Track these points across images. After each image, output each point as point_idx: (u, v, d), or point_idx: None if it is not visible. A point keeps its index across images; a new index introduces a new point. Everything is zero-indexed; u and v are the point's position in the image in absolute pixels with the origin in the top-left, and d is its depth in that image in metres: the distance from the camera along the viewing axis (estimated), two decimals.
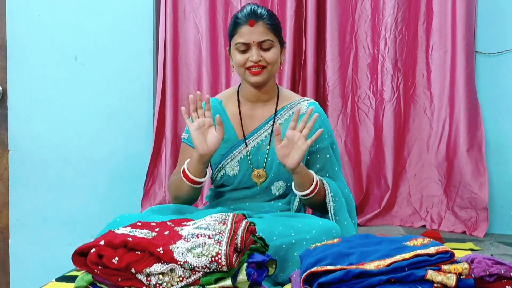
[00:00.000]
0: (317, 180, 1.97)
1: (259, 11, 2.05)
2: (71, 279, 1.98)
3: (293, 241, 1.77)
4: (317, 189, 1.96)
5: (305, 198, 1.97)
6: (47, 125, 3.11)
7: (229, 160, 2.10)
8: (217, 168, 2.12)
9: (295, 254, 1.75)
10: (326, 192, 1.98)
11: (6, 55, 3.13)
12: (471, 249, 2.49)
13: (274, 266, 1.64)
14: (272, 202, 2.12)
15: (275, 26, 2.06)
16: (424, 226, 2.82)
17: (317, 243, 1.66)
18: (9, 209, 3.19)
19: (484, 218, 2.71)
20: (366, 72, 2.84)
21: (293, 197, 2.10)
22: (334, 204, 1.98)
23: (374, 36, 2.82)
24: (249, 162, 2.08)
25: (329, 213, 1.98)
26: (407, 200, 2.86)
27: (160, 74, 2.94)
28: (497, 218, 2.81)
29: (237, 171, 2.09)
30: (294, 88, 2.83)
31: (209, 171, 2.06)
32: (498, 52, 2.77)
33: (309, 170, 1.99)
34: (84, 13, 3.05)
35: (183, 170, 1.98)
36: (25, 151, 3.13)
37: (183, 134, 2.16)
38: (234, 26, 2.05)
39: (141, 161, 3.02)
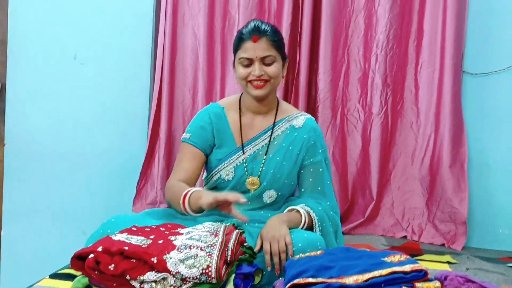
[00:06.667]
0: (305, 219, 2.03)
1: (263, 27, 2.13)
2: (64, 276, 2.07)
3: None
4: (305, 226, 2.04)
5: None
6: (44, 120, 3.19)
7: (225, 165, 2.18)
8: (213, 172, 2.21)
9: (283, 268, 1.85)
10: (314, 223, 2.05)
11: (6, 50, 3.20)
12: (449, 262, 2.59)
13: (260, 275, 1.74)
14: (262, 211, 2.20)
15: (278, 42, 2.15)
16: (405, 237, 2.92)
17: (301, 254, 1.76)
18: (2, 201, 3.26)
19: (462, 232, 2.82)
20: (357, 86, 2.93)
21: (282, 209, 2.19)
22: (320, 234, 2.05)
23: (366, 51, 2.91)
24: (245, 169, 2.17)
25: None
26: (390, 211, 2.96)
27: (157, 78, 3.02)
28: (476, 232, 2.92)
29: (231, 177, 2.18)
30: (286, 98, 2.92)
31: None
32: (485, 73, 2.88)
33: (294, 214, 2.05)
34: (86, 12, 3.13)
35: (184, 200, 1.99)
36: (21, 144, 3.21)
37: (184, 134, 2.23)
38: (239, 41, 2.14)
39: (135, 160, 3.10)
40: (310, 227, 2.06)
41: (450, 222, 2.86)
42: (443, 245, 2.85)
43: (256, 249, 1.88)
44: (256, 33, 2.11)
